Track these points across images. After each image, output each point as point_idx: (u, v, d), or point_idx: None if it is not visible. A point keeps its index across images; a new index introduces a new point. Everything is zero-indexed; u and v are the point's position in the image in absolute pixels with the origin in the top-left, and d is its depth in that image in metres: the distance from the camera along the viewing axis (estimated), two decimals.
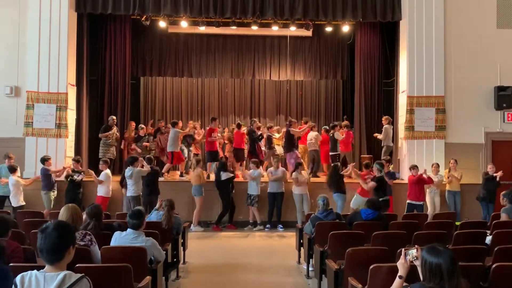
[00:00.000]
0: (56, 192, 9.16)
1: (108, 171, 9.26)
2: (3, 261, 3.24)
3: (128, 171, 8.69)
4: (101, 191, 9.12)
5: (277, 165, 9.79)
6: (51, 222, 2.61)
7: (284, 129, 11.48)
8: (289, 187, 9.68)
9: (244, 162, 11.62)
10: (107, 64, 12.52)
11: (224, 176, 9.51)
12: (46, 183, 9.04)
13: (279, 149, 11.73)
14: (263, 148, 11.41)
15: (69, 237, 2.57)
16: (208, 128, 11.20)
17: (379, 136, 11.45)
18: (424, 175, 8.79)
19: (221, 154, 11.55)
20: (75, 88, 10.79)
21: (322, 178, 10.95)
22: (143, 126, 11.57)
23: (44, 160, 9.15)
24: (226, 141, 11.98)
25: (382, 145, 11.49)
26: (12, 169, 8.65)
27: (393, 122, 11.78)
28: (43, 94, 10.13)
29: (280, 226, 9.68)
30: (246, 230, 9.62)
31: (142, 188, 8.84)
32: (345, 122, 12.05)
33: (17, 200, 8.60)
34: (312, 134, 11.48)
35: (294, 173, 9.60)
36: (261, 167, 10.61)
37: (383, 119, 11.56)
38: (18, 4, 10.25)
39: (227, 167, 9.70)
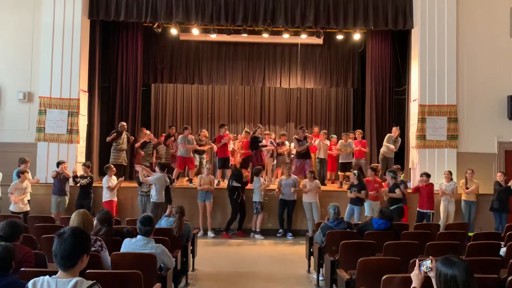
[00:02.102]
0: (65, 197, 9.16)
1: (107, 177, 9.21)
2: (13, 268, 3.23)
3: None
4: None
5: (289, 173, 9.76)
6: (69, 228, 2.60)
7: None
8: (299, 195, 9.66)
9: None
10: (118, 70, 12.61)
11: (234, 183, 9.58)
12: (53, 187, 9.12)
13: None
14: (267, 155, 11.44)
15: (84, 245, 2.57)
16: (218, 135, 11.20)
17: (391, 147, 11.20)
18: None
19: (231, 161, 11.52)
20: (87, 94, 10.87)
21: (330, 186, 10.92)
22: (148, 132, 11.63)
23: (58, 164, 9.21)
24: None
25: (386, 156, 11.19)
26: (18, 174, 8.67)
27: (404, 131, 11.70)
28: (55, 100, 10.23)
29: (290, 234, 9.63)
30: (256, 238, 9.58)
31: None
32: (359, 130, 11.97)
33: (15, 205, 8.44)
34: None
35: (304, 181, 9.58)
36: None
37: (396, 129, 11.21)
38: (32, 11, 10.39)
39: (241, 176, 9.69)
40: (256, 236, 9.57)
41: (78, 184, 9.10)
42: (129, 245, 4.56)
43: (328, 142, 11.67)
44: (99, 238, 4.34)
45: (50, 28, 10.26)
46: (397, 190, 8.37)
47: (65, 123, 10.22)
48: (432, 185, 8.98)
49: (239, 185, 9.62)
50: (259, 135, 11.07)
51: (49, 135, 10.18)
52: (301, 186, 9.57)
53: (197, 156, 11.29)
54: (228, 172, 10.64)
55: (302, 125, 11.64)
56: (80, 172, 9.49)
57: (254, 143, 10.92)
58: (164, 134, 12.50)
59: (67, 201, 9.20)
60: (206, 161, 11.35)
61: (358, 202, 8.76)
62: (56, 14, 10.27)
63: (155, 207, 8.39)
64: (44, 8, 10.32)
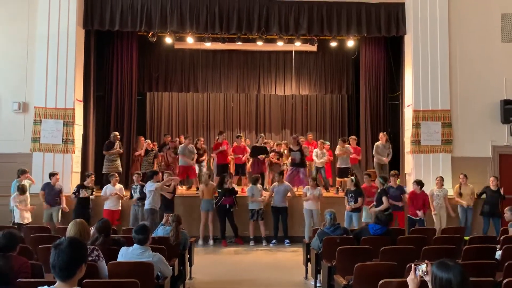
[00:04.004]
0: (57, 207, 9.11)
1: (109, 185, 9.28)
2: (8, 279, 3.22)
3: (149, 186, 8.76)
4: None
5: (281, 180, 9.73)
6: (65, 239, 2.60)
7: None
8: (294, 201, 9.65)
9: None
10: (113, 80, 12.63)
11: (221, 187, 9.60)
12: (47, 198, 9.09)
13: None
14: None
15: (82, 255, 2.57)
16: (215, 142, 11.24)
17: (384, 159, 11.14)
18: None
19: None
20: (82, 103, 10.87)
21: (326, 193, 10.90)
22: (148, 141, 11.68)
23: (50, 175, 9.20)
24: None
25: (380, 163, 11.09)
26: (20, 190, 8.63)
27: (399, 136, 11.74)
28: (50, 110, 10.21)
29: (287, 241, 9.61)
30: (251, 245, 9.55)
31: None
32: (352, 137, 11.97)
33: (18, 216, 8.46)
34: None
35: (304, 188, 9.58)
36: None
37: (383, 135, 11.10)
38: (27, 21, 10.39)
39: (224, 182, 9.68)
40: (252, 243, 9.57)
41: (81, 196, 8.99)
42: (126, 254, 4.55)
43: (325, 152, 11.58)
44: (96, 247, 4.33)
45: (44, 38, 10.26)
46: (384, 199, 8.30)
47: (60, 133, 10.19)
48: (425, 193, 8.90)
49: (219, 190, 9.61)
50: (261, 145, 11.10)
51: (44, 145, 10.14)
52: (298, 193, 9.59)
53: (196, 165, 11.32)
54: None
55: (295, 135, 11.53)
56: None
57: (255, 152, 10.94)
58: (155, 143, 12.55)
59: (60, 211, 9.15)
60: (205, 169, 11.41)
61: (356, 209, 8.77)
62: (50, 24, 10.27)
63: (150, 213, 8.55)
64: (39, 18, 10.33)
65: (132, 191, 9.17)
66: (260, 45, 12.20)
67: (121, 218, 9.36)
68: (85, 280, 3.50)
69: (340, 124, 15.23)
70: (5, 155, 10.02)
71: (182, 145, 10.77)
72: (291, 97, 15.02)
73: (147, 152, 11.23)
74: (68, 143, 10.23)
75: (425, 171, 10.23)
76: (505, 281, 3.86)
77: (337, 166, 11.27)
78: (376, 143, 11.10)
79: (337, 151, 11.13)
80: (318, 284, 6.28)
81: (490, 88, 10.52)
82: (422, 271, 2.74)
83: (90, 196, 9.07)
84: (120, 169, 10.86)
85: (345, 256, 5.26)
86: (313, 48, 13.02)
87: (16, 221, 8.42)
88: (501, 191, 9.17)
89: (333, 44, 12.62)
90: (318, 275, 6.22)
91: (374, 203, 8.59)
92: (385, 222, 5.99)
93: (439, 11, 10.57)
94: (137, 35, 12.66)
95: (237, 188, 10.37)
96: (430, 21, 10.57)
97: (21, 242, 4.42)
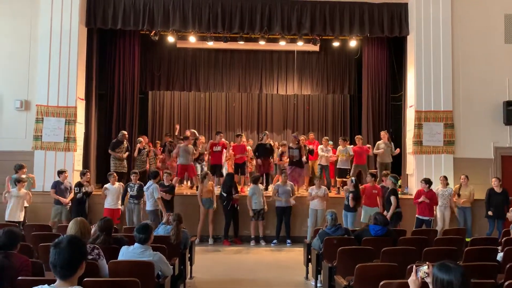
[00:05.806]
0: (66, 206, 9.11)
1: (108, 185, 9.26)
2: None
3: (150, 187, 8.83)
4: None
5: (285, 180, 9.73)
6: (64, 237, 2.60)
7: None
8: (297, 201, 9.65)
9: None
10: (115, 78, 12.62)
11: (222, 192, 9.60)
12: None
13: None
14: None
15: (81, 253, 2.57)
16: (210, 142, 11.25)
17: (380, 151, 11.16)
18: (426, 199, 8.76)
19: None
20: (84, 102, 10.88)
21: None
22: (141, 139, 11.66)
23: (59, 173, 9.22)
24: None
25: (383, 162, 11.07)
26: (17, 181, 8.58)
27: (401, 137, 11.71)
28: (52, 108, 10.23)
29: (289, 241, 9.60)
30: (251, 245, 9.55)
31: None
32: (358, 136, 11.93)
33: (13, 214, 8.33)
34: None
35: (310, 188, 9.57)
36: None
37: (384, 133, 11.16)
38: (29, 19, 10.41)
39: (230, 184, 9.69)
40: (253, 243, 9.55)
41: (83, 194, 9.02)
42: (126, 253, 4.55)
43: (330, 149, 11.56)
44: (97, 246, 4.32)
45: (47, 36, 10.28)
46: (392, 199, 8.44)
47: (62, 131, 10.21)
48: (433, 192, 8.93)
49: (225, 194, 9.58)
50: (266, 142, 11.07)
51: (46, 143, 10.17)
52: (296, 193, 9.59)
53: (197, 164, 11.31)
54: (221, 180, 10.59)
55: (295, 134, 11.56)
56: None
57: (260, 150, 10.91)
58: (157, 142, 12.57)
59: (67, 210, 9.16)
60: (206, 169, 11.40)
61: (352, 208, 8.73)
62: (53, 22, 10.29)
63: (154, 215, 8.71)
64: (41, 16, 10.34)
65: (129, 189, 9.16)
66: (262, 44, 12.19)
67: (122, 217, 9.36)
68: (85, 279, 3.49)
69: (342, 124, 15.20)
70: (7, 153, 10.03)
71: (181, 145, 10.75)
72: (293, 97, 15.01)
73: (139, 151, 11.21)
74: (70, 141, 10.25)
75: (427, 172, 10.21)
76: (506, 283, 3.84)
77: (337, 166, 11.27)
78: (378, 142, 11.09)
79: (337, 152, 11.11)
80: (318, 285, 6.27)
81: (493, 89, 10.50)
82: (424, 272, 2.74)
83: (79, 194, 9.05)
84: (126, 169, 10.84)
85: (346, 257, 5.25)
86: (316, 48, 13.02)
87: (6, 219, 8.21)
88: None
89: (336, 44, 12.61)
90: (319, 276, 6.21)
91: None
92: (384, 222, 5.97)
93: (442, 11, 10.55)
94: (140, 34, 12.66)
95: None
96: (433, 21, 10.55)
97: (22, 240, 4.42)
